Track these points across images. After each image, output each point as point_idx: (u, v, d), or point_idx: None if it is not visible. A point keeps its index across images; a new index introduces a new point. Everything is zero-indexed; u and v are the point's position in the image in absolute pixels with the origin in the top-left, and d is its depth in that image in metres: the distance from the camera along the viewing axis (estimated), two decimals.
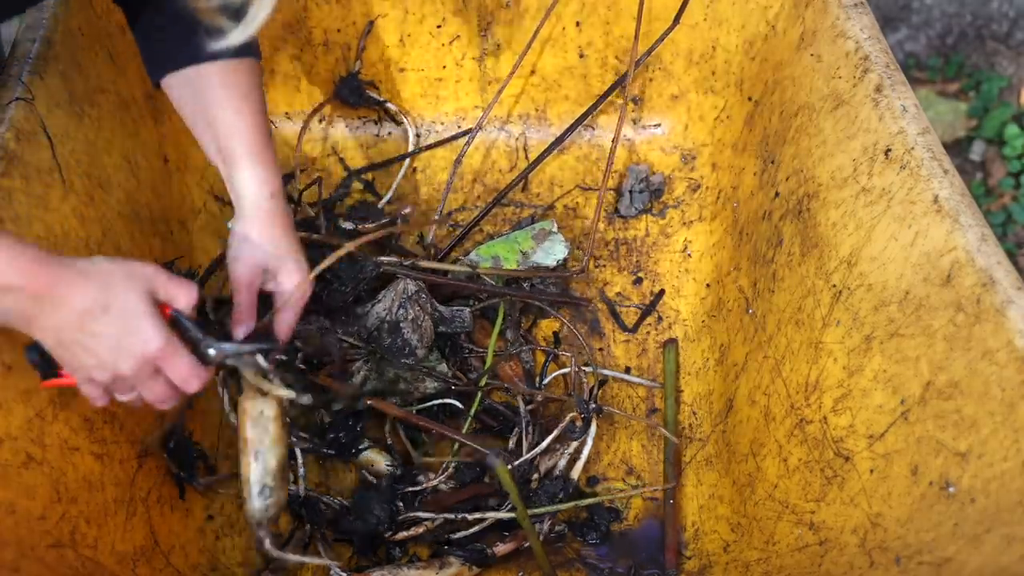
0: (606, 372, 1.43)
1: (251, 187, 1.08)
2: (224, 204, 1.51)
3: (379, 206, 1.52)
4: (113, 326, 0.91)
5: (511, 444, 1.31)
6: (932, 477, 0.97)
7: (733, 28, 1.46)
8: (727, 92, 1.51)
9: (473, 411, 1.32)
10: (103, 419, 1.14)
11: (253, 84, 1.10)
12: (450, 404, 1.33)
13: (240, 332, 1.07)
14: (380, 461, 1.28)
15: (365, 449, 1.29)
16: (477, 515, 1.22)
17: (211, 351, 1.00)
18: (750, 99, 1.45)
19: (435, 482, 1.25)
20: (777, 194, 1.32)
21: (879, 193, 1.11)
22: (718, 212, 1.51)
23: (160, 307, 0.95)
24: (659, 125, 1.59)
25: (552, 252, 1.45)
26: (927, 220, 1.04)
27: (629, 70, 1.47)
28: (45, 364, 0.98)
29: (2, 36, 1.24)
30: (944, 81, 2.53)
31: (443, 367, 1.34)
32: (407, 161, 1.56)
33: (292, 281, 1.08)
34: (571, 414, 1.31)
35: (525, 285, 1.45)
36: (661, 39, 1.48)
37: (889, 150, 1.12)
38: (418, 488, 1.25)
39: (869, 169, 1.14)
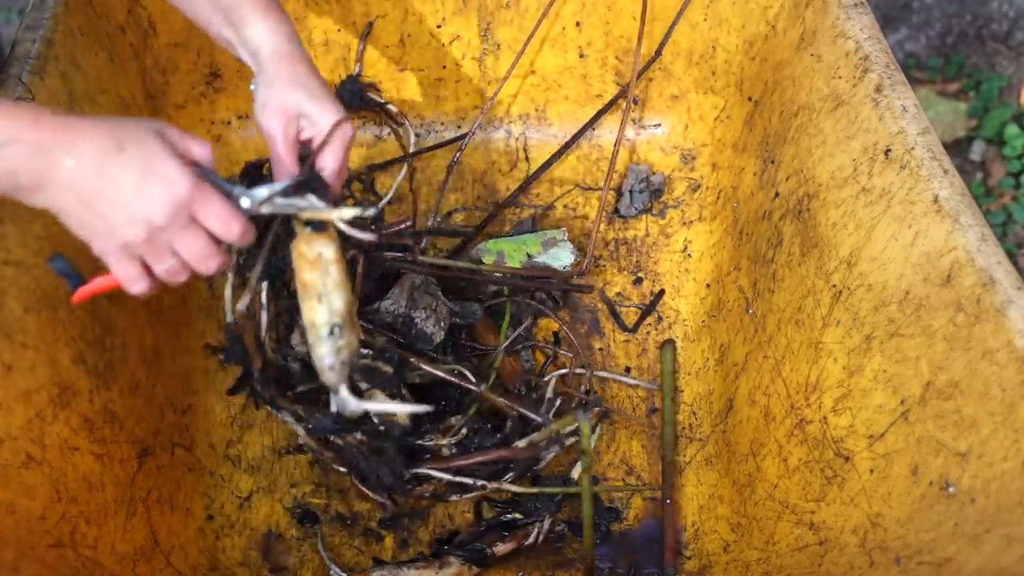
0: (604, 374, 1.43)
1: (266, 36, 1.03)
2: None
3: (379, 206, 1.52)
4: (133, 167, 0.86)
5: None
6: (932, 477, 0.97)
7: (733, 28, 1.46)
8: (727, 92, 1.51)
9: (490, 382, 1.32)
10: (103, 419, 1.14)
11: None
12: (455, 397, 1.33)
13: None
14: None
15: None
16: (495, 485, 1.22)
17: (244, 199, 0.93)
18: (750, 99, 1.45)
19: (444, 443, 1.25)
20: (777, 194, 1.32)
21: (879, 193, 1.11)
22: (718, 212, 1.51)
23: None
24: (659, 125, 1.59)
25: (559, 257, 1.45)
26: (927, 220, 1.04)
27: (632, 78, 1.46)
28: (73, 271, 0.93)
29: (2, 36, 1.24)
30: (944, 81, 2.53)
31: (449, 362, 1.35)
32: (407, 162, 1.56)
33: (331, 120, 1.02)
34: (596, 408, 1.33)
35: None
36: (647, 65, 1.49)
37: (889, 150, 1.12)
38: (428, 443, 1.24)
39: (869, 169, 1.14)
